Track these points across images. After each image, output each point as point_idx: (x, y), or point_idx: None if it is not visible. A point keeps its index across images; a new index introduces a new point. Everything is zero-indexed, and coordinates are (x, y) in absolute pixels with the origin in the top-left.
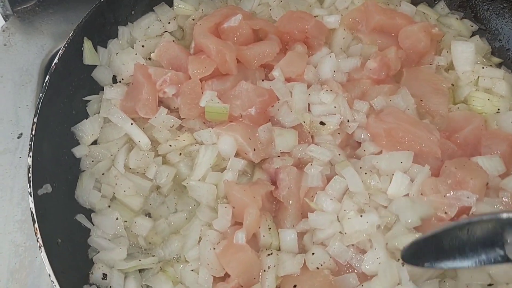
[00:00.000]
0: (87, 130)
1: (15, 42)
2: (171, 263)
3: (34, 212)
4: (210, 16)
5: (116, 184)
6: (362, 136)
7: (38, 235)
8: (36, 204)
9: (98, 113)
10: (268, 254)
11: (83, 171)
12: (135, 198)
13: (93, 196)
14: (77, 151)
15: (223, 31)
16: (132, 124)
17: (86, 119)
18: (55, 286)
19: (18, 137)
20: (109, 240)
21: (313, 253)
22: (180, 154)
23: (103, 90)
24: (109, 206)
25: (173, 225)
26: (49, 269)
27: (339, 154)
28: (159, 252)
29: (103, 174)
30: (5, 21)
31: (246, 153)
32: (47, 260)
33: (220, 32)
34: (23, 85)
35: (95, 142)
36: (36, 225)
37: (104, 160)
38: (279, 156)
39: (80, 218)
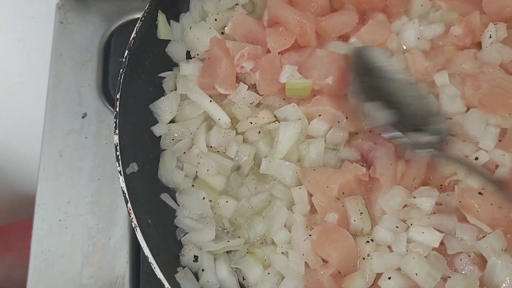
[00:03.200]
0: (165, 107)
1: (71, 20)
2: (257, 245)
3: (126, 192)
4: None
5: (199, 163)
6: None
7: (132, 215)
8: (127, 183)
9: (175, 90)
10: (367, 241)
11: (164, 150)
12: (218, 177)
13: (177, 175)
14: (157, 129)
15: (298, 2)
16: (211, 101)
17: (163, 96)
18: (154, 268)
19: (83, 117)
20: (196, 220)
21: None
22: (259, 132)
23: (177, 66)
24: (192, 186)
25: (255, 207)
26: (146, 251)
27: None
28: (244, 234)
29: (184, 153)
30: None
31: (338, 122)
32: (144, 241)
33: (294, 3)
34: (84, 64)
35: (173, 120)
36: (129, 205)
37: (185, 138)
38: (370, 131)
39: (165, 197)
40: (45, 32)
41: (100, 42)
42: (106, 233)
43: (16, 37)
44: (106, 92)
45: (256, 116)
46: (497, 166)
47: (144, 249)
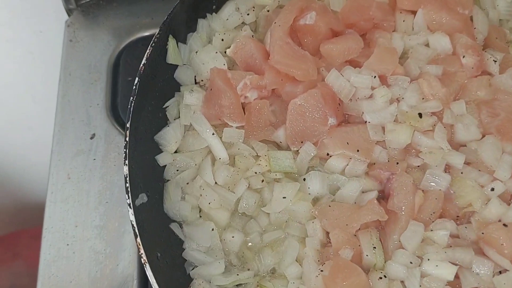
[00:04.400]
0: (169, 138)
1: (81, 38)
2: (267, 278)
3: (135, 226)
4: (285, 12)
5: (201, 195)
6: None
7: (142, 251)
8: (136, 216)
9: (179, 118)
10: (380, 278)
11: (168, 180)
12: (221, 211)
13: (183, 208)
14: (161, 159)
15: (300, 29)
16: (213, 134)
17: (167, 125)
18: None
19: (91, 138)
20: (205, 253)
21: None
22: (263, 181)
23: (179, 91)
24: (200, 217)
25: (266, 243)
26: (154, 284)
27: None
28: (253, 266)
29: (187, 183)
30: (69, 16)
31: (350, 159)
32: (153, 278)
33: (297, 29)
34: (92, 83)
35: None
36: (138, 239)
37: (189, 169)
38: (388, 161)
39: (174, 227)
40: (54, 47)
41: (109, 61)
42: (114, 258)
43: (25, 50)
44: (115, 112)
45: (259, 164)
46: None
47: (153, 286)
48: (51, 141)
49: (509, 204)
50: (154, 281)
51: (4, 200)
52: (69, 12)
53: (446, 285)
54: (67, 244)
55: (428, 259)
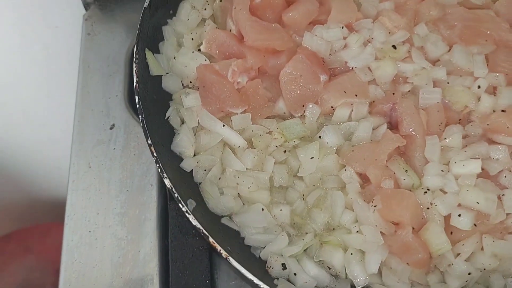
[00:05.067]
0: (184, 143)
1: (98, 31)
2: (327, 233)
3: (202, 228)
4: None
5: (238, 183)
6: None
7: (219, 248)
8: (198, 220)
9: (182, 123)
10: (425, 192)
11: (200, 183)
12: (261, 192)
13: (227, 201)
14: (186, 165)
15: (258, 7)
16: (224, 126)
17: (177, 133)
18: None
19: (111, 128)
20: (265, 233)
21: None
22: (285, 151)
23: (172, 100)
24: (244, 204)
25: (311, 204)
26: (249, 275)
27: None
28: (309, 229)
29: (219, 178)
30: (86, 10)
31: (352, 104)
32: (241, 267)
33: (255, 8)
34: (111, 75)
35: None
36: (211, 239)
37: (215, 165)
38: (385, 95)
39: (226, 221)
40: (70, 42)
41: (127, 53)
42: (136, 244)
43: (41, 45)
44: (133, 103)
45: (275, 139)
46: (495, 88)
47: (246, 275)
48: (65, 135)
49: (495, 95)
50: (244, 269)
51: (16, 195)
52: (86, 6)
53: (477, 178)
54: (89, 231)
55: (455, 162)
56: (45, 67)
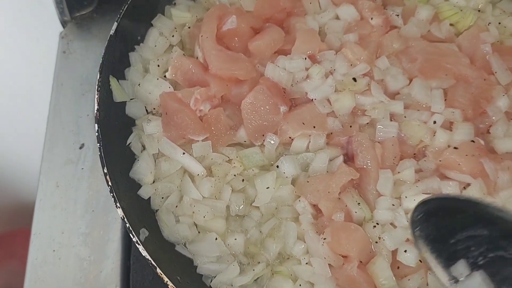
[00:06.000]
0: (143, 171)
1: (74, 50)
2: (279, 263)
3: (150, 259)
4: (207, 23)
5: (194, 212)
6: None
7: (166, 279)
8: (148, 251)
9: (144, 150)
10: (374, 226)
11: (157, 210)
12: (217, 220)
13: (182, 230)
14: (144, 193)
15: (225, 35)
16: (184, 153)
17: (137, 159)
18: None
19: (80, 148)
20: (217, 262)
21: None
22: (243, 180)
23: (135, 126)
24: (199, 232)
25: (266, 233)
26: None
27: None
28: (262, 258)
29: (176, 206)
30: (63, 27)
31: (310, 136)
32: None
33: (222, 36)
34: (84, 94)
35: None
36: (159, 270)
37: (173, 193)
38: (342, 127)
39: (180, 249)
40: (49, 56)
41: None
42: (98, 265)
43: (22, 56)
44: None
45: (234, 167)
46: (451, 123)
47: None
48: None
49: (451, 130)
50: None
51: (1, 199)
52: (63, 24)
53: None
54: (54, 250)
55: (406, 197)
56: (26, 78)
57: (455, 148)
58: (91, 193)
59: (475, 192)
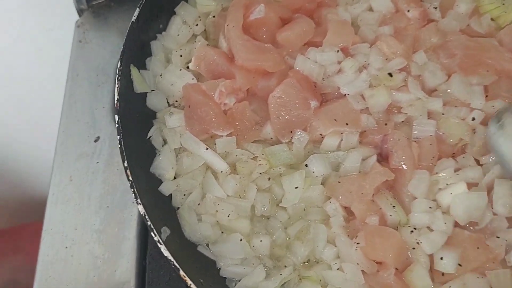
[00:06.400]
0: (165, 166)
1: (90, 39)
2: (307, 267)
3: (173, 260)
4: (233, 12)
5: (217, 211)
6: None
7: (189, 282)
8: (170, 250)
9: (165, 144)
10: (411, 231)
11: (179, 208)
12: (241, 221)
13: (204, 229)
14: (165, 189)
15: (252, 25)
16: (207, 149)
17: (158, 154)
18: None
19: (95, 141)
20: (241, 265)
21: None
22: (269, 179)
23: (156, 118)
24: (222, 233)
25: (292, 234)
26: None
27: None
28: (289, 262)
29: (198, 204)
30: (79, 16)
31: (342, 133)
32: None
33: (248, 26)
34: (100, 85)
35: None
36: (182, 272)
37: (195, 190)
38: (377, 125)
39: (202, 249)
40: (63, 46)
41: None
42: (112, 264)
43: (35, 46)
44: None
45: (260, 165)
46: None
47: None
48: (53, 140)
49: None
50: None
51: (7, 193)
52: (80, 12)
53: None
54: (66, 247)
55: (444, 186)
56: (39, 68)
57: None
58: (106, 188)
59: None
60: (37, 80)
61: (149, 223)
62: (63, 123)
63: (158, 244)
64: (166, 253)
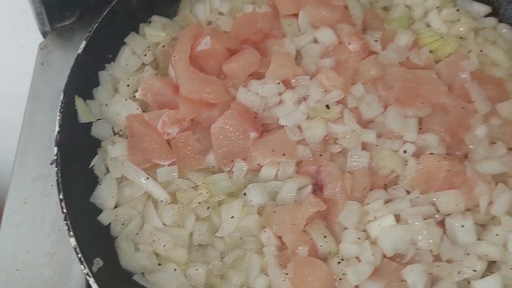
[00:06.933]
0: (105, 195)
1: (53, 61)
2: None
3: None
4: (181, 43)
5: (154, 241)
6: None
7: None
8: (98, 282)
9: (108, 173)
10: (338, 262)
11: (117, 237)
12: (178, 250)
13: (141, 259)
14: (104, 218)
15: (199, 56)
16: (148, 178)
17: (100, 183)
18: None
19: (51, 163)
20: None
21: None
22: (208, 208)
23: (100, 147)
24: (159, 265)
25: (228, 262)
26: None
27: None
28: None
29: (136, 234)
30: (44, 38)
31: (279, 163)
32: None
33: (196, 57)
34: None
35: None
36: None
37: (134, 219)
38: (312, 155)
39: (138, 278)
40: (25, 68)
41: None
42: (61, 287)
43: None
44: None
45: (200, 194)
46: (423, 151)
47: None
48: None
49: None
50: None
51: None
52: (44, 34)
53: None
54: (17, 270)
55: (372, 218)
56: (2, 92)
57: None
58: (59, 211)
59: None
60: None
61: (79, 255)
62: (21, 145)
63: (87, 277)
64: (94, 285)
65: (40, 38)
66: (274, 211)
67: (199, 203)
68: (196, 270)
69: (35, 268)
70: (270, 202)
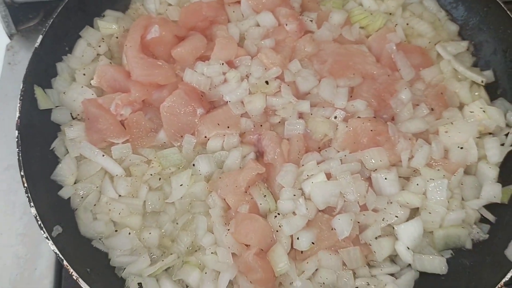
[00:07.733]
0: (65, 173)
1: (19, 61)
2: (189, 254)
3: (58, 252)
4: (131, 33)
5: (110, 210)
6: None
7: (71, 270)
8: (57, 245)
9: (67, 154)
10: (275, 216)
11: (76, 209)
12: (133, 217)
13: (98, 226)
14: (64, 193)
15: (150, 44)
16: (103, 155)
17: (59, 162)
18: None
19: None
20: (129, 255)
21: None
22: (160, 179)
23: (60, 131)
24: (116, 231)
25: (181, 227)
26: None
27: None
28: (175, 250)
29: (94, 205)
30: (10, 40)
31: (224, 135)
32: (86, 285)
33: (147, 45)
34: None
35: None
36: (65, 262)
37: (92, 193)
38: (254, 126)
39: (96, 243)
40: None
41: None
42: (32, 263)
43: None
44: None
45: (152, 167)
46: (351, 115)
47: None
48: None
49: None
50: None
51: None
52: (10, 36)
53: None
54: None
55: (306, 176)
56: None
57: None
58: None
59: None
60: None
61: (39, 222)
62: None
63: (46, 240)
64: (52, 247)
65: (6, 40)
66: (220, 177)
67: (151, 175)
68: (150, 233)
69: (9, 247)
70: (217, 170)
